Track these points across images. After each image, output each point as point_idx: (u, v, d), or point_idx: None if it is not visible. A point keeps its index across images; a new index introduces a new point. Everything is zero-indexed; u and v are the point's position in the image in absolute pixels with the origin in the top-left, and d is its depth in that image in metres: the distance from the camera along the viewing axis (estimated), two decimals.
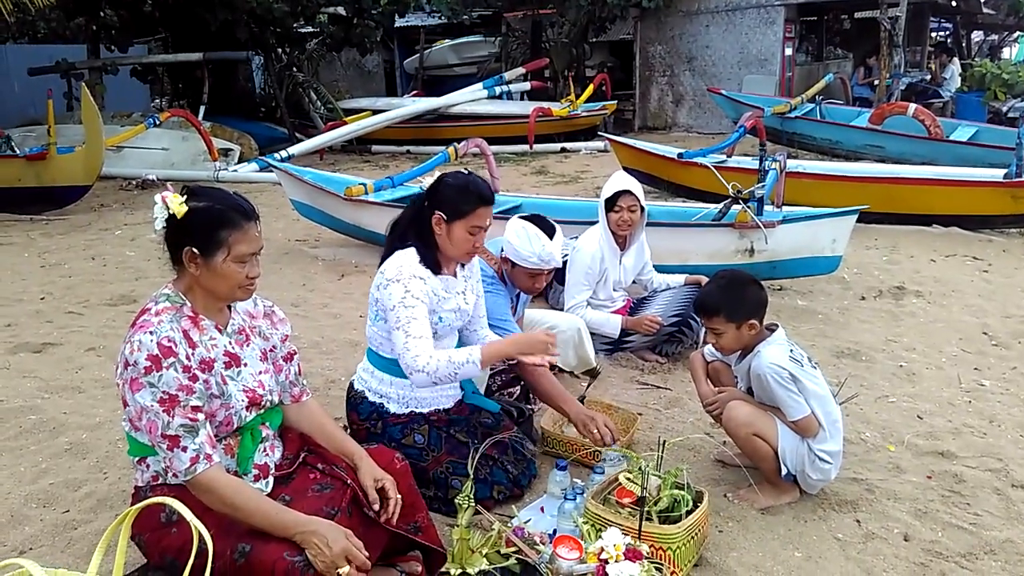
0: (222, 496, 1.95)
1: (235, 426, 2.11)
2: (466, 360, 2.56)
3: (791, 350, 2.72)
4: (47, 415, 3.45)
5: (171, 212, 1.98)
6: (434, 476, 2.72)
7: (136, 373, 1.90)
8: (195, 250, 1.99)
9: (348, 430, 2.78)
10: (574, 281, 4.08)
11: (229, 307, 2.19)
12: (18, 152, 8.37)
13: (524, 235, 3.20)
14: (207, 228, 1.99)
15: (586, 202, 6.12)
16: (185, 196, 2.01)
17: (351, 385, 2.91)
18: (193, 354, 2.00)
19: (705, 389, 2.94)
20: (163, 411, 1.91)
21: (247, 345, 2.19)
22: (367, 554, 1.97)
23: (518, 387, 3.48)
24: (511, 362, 3.55)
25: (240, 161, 11.12)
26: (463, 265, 2.87)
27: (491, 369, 3.37)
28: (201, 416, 1.97)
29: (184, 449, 1.91)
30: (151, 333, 1.93)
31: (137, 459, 2.09)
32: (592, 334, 4.03)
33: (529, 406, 3.38)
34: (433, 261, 2.73)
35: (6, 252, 6.63)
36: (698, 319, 2.85)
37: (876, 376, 3.99)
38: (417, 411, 2.79)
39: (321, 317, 4.89)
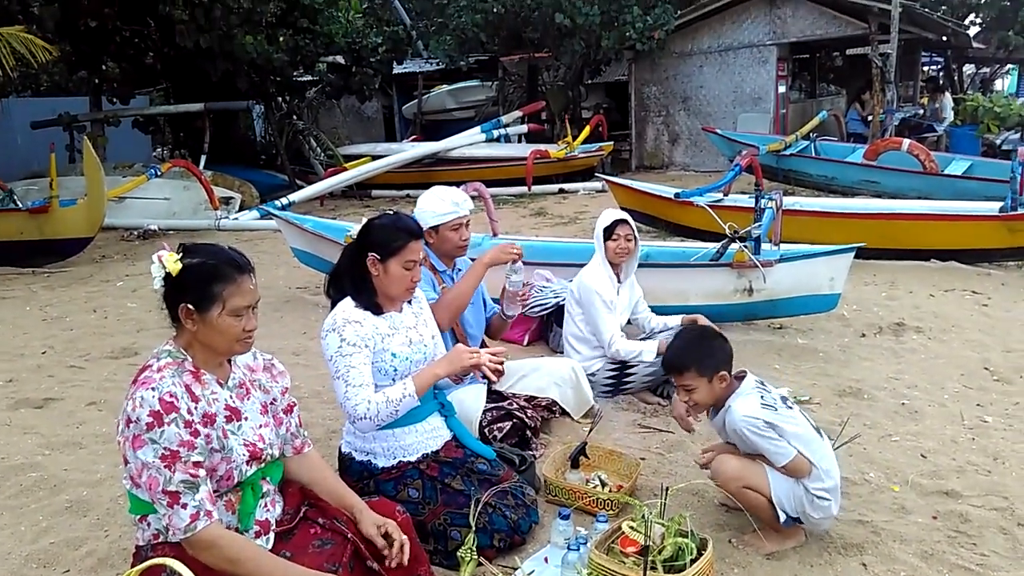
0: (224, 553, 1.94)
1: (236, 480, 2.10)
2: (402, 396, 2.62)
3: (762, 396, 2.69)
4: (48, 472, 3.44)
5: (167, 270, 2.01)
6: (432, 528, 2.71)
7: (138, 430, 1.91)
8: (190, 306, 2.02)
9: None
10: (600, 313, 4.09)
11: (229, 361, 2.20)
12: (21, 206, 8.45)
13: (431, 196, 3.51)
14: (201, 284, 2.03)
15: (587, 244, 6.13)
16: (180, 254, 2.05)
17: (339, 449, 2.93)
18: (195, 408, 2.01)
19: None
20: (164, 467, 1.91)
21: (247, 399, 2.20)
22: None
23: (508, 423, 3.49)
24: (500, 401, 3.58)
25: (241, 209, 11.20)
26: (410, 301, 2.91)
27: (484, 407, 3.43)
28: (202, 472, 1.97)
29: (184, 506, 1.91)
30: (153, 389, 1.94)
31: (138, 517, 2.08)
32: (591, 377, 4.07)
33: (531, 452, 3.38)
34: (371, 304, 2.77)
35: (8, 306, 6.66)
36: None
37: (878, 414, 3.98)
38: (406, 460, 2.77)
39: (322, 365, 4.83)
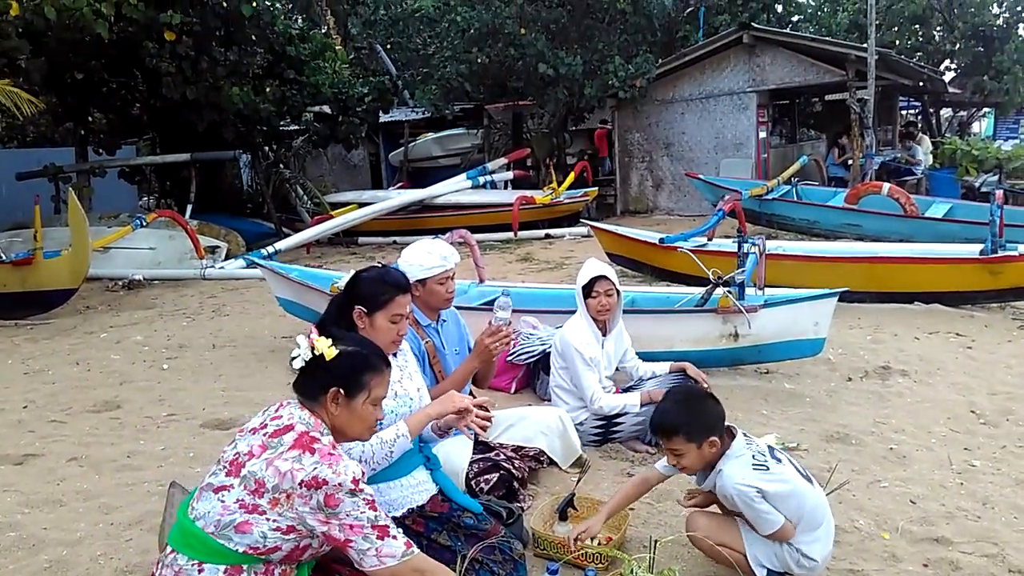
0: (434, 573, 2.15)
1: (305, 556, 2.17)
2: (395, 437, 2.65)
3: (753, 457, 2.61)
4: (26, 531, 3.36)
5: (318, 353, 2.16)
6: None
7: (341, 494, 2.02)
8: (342, 391, 2.17)
9: None
10: (580, 371, 4.06)
11: None
12: (4, 258, 8.40)
13: (419, 249, 3.52)
14: (354, 372, 2.21)
15: (574, 291, 6.14)
16: (331, 340, 2.20)
17: None
18: None
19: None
20: (368, 507, 2.06)
21: None
22: None
23: (496, 475, 3.46)
24: (487, 452, 3.56)
25: (227, 258, 11.19)
26: (395, 354, 2.90)
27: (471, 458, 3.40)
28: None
29: (395, 537, 2.08)
30: (349, 462, 2.08)
31: (195, 562, 2.06)
32: (578, 427, 4.04)
33: (518, 504, 3.34)
34: None
35: None
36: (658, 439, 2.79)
37: (867, 460, 3.97)
38: (391, 515, 2.74)
39: None
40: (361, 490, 2.04)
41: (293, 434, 2.08)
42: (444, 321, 3.73)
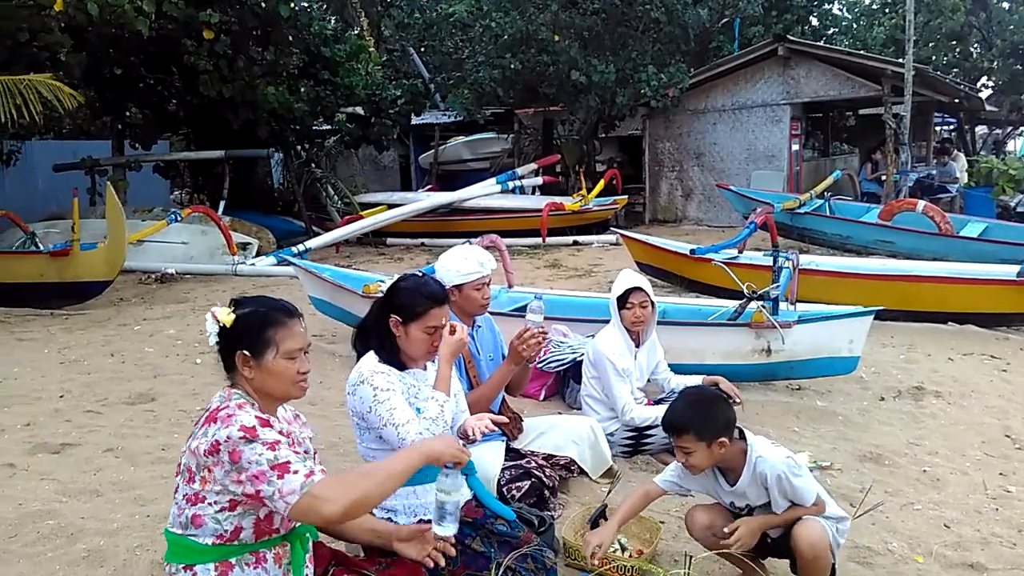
0: (350, 486, 1.96)
1: (276, 526, 2.13)
2: (440, 407, 2.71)
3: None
4: (65, 520, 3.42)
5: (221, 324, 2.12)
6: None
7: (234, 445, 1.96)
8: (247, 353, 2.12)
9: (363, 551, 2.76)
10: (613, 382, 4.07)
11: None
12: (42, 248, 8.55)
13: (456, 255, 3.55)
14: (255, 330, 2.14)
15: (605, 299, 6.13)
16: (232, 307, 2.16)
17: None
18: (282, 432, 2.10)
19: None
20: (267, 448, 1.96)
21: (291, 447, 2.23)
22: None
23: (527, 483, 3.47)
24: (518, 459, 3.57)
25: (258, 255, 11.30)
26: (433, 359, 2.93)
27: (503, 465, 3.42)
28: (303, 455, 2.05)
29: (296, 472, 1.94)
30: (247, 413, 2.03)
31: (183, 566, 2.08)
32: (609, 438, 4.04)
33: (549, 513, 3.34)
34: (395, 361, 2.80)
35: (26, 348, 6.70)
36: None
37: (900, 482, 3.94)
38: (425, 518, 2.76)
39: (338, 416, 4.88)
40: (256, 436, 1.97)
41: (205, 415, 2.09)
42: (479, 327, 3.74)
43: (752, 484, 2.72)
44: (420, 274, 3.00)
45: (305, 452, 2.29)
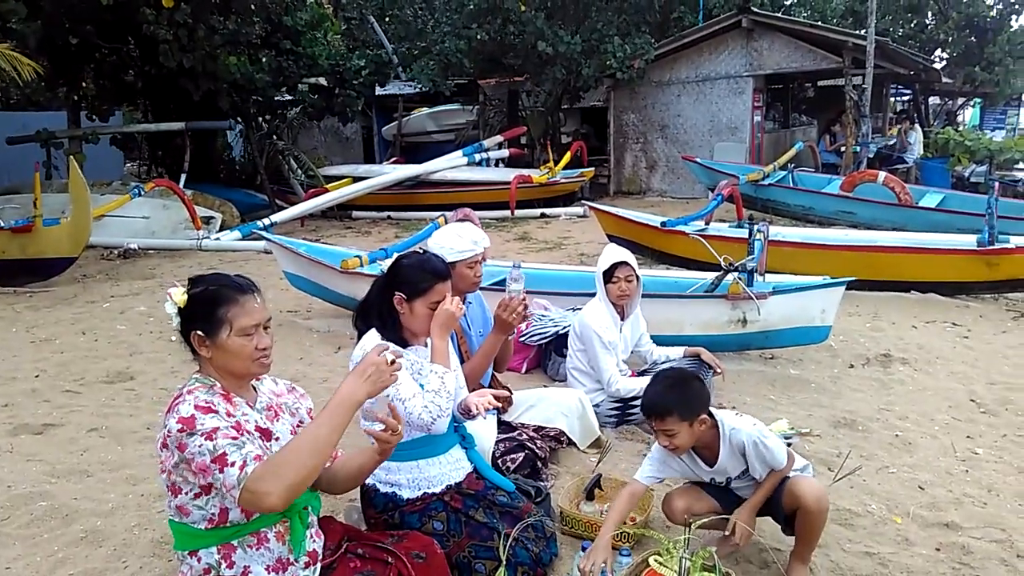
0: (283, 472, 1.90)
1: None
2: (441, 379, 2.73)
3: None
4: (58, 501, 3.41)
5: (179, 305, 2.10)
6: (457, 561, 2.73)
7: (180, 439, 1.96)
8: (200, 333, 2.09)
9: (366, 527, 2.82)
10: (599, 354, 4.15)
11: (254, 388, 2.26)
12: (3, 224, 8.35)
13: (451, 233, 3.61)
14: (206, 309, 2.10)
15: (584, 273, 6.19)
16: (188, 286, 2.14)
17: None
18: (232, 413, 2.07)
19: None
20: (206, 439, 1.94)
21: (277, 420, 2.25)
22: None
23: (521, 455, 3.54)
24: (510, 432, 3.65)
25: (221, 229, 11.14)
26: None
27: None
28: (243, 438, 2.00)
29: (232, 464, 1.92)
30: (187, 402, 2.01)
31: (188, 552, 2.10)
32: (595, 408, 4.13)
33: (544, 484, 3.42)
34: (397, 338, 2.82)
35: None
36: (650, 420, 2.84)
37: (874, 446, 4.09)
38: (430, 492, 2.82)
39: (323, 393, 4.88)
40: (194, 426, 1.95)
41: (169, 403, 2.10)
42: (469, 303, 3.79)
43: (731, 457, 2.81)
44: (421, 251, 3.02)
45: (300, 423, 2.30)
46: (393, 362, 2.05)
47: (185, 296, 2.10)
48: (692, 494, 2.99)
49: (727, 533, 2.79)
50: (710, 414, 2.81)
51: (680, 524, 2.95)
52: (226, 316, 2.09)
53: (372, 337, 2.82)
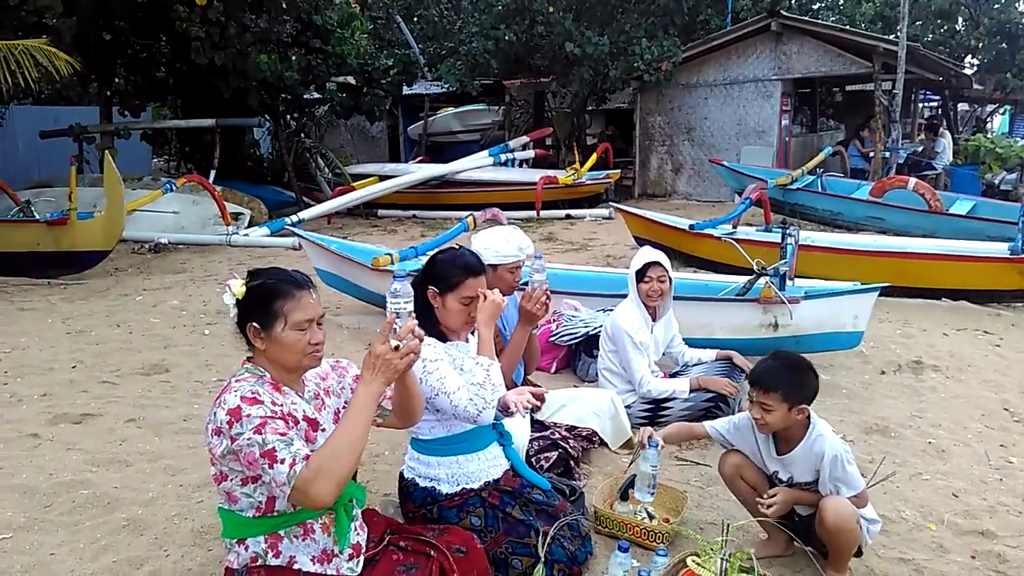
0: (328, 472, 1.94)
1: None
2: (486, 371, 2.73)
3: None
4: (99, 490, 3.47)
5: (235, 296, 2.14)
6: (494, 557, 2.76)
7: (230, 429, 2.00)
8: (256, 325, 2.14)
9: (404, 520, 2.86)
10: (631, 355, 4.16)
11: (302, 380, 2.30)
12: (37, 217, 8.48)
13: (498, 237, 3.58)
14: (263, 302, 2.14)
15: (614, 274, 6.20)
16: (248, 279, 2.18)
17: (401, 475, 2.98)
18: (280, 404, 2.10)
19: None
20: (255, 432, 1.97)
21: (323, 409, 2.30)
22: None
23: (555, 453, 3.57)
24: (543, 431, 3.67)
25: (250, 225, 11.25)
26: (473, 331, 2.99)
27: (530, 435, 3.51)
28: (292, 432, 2.03)
29: (282, 461, 1.95)
30: (234, 392, 2.05)
31: (236, 540, 2.14)
32: (626, 409, 4.14)
33: (578, 483, 3.44)
34: (435, 333, 2.85)
35: (30, 318, 6.68)
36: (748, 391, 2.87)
37: (907, 453, 4.07)
38: (469, 487, 2.85)
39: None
40: (240, 417, 1.99)
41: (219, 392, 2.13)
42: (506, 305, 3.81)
43: (805, 458, 2.81)
44: (458, 247, 3.05)
45: (346, 404, 2.32)
46: (411, 332, 2.12)
47: (244, 288, 2.15)
48: (750, 462, 3.00)
49: (766, 496, 2.82)
50: (809, 411, 2.82)
51: (725, 476, 3.05)
52: (282, 310, 2.13)
53: None
